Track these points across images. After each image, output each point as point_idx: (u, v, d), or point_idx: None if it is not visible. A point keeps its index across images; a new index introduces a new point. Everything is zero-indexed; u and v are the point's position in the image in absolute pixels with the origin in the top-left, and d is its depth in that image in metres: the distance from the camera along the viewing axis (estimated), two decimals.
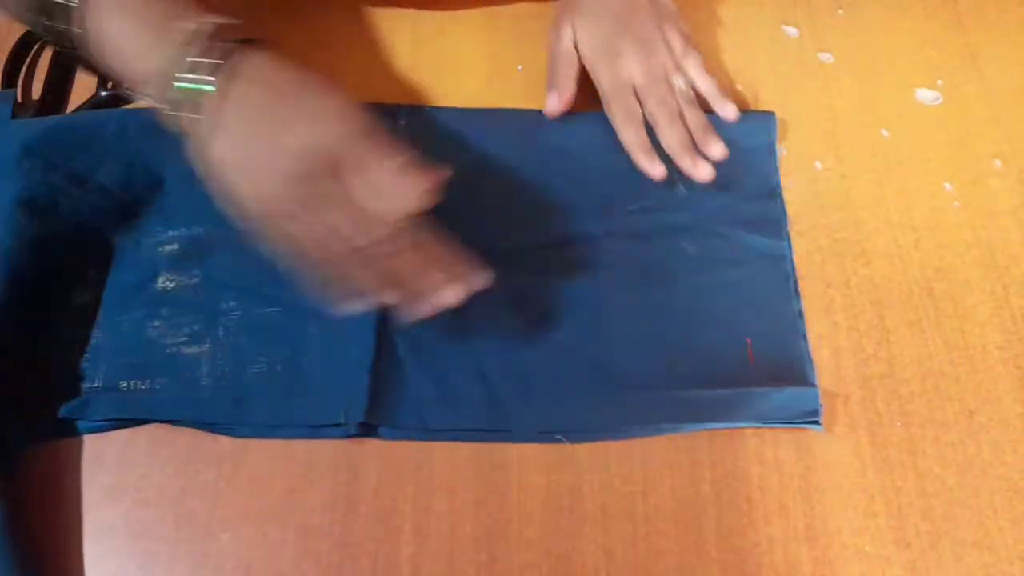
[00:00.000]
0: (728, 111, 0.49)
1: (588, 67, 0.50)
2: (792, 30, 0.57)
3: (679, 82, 0.50)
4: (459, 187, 0.48)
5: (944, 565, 0.40)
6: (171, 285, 0.46)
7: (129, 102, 0.52)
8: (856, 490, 0.42)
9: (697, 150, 0.49)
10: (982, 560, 0.40)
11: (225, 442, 0.42)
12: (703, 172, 0.48)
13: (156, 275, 0.46)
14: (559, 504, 0.41)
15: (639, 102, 0.49)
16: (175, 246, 0.47)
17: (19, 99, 0.52)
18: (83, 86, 0.53)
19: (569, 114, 0.52)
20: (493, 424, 0.43)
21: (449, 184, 0.48)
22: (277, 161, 0.35)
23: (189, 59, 0.35)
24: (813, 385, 0.44)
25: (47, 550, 0.40)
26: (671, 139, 0.48)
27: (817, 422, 0.43)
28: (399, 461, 0.42)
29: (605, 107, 0.50)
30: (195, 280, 0.46)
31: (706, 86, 0.50)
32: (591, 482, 0.42)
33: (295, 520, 0.41)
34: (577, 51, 0.50)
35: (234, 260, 0.46)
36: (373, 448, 0.43)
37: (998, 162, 0.51)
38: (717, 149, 0.48)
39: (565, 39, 0.51)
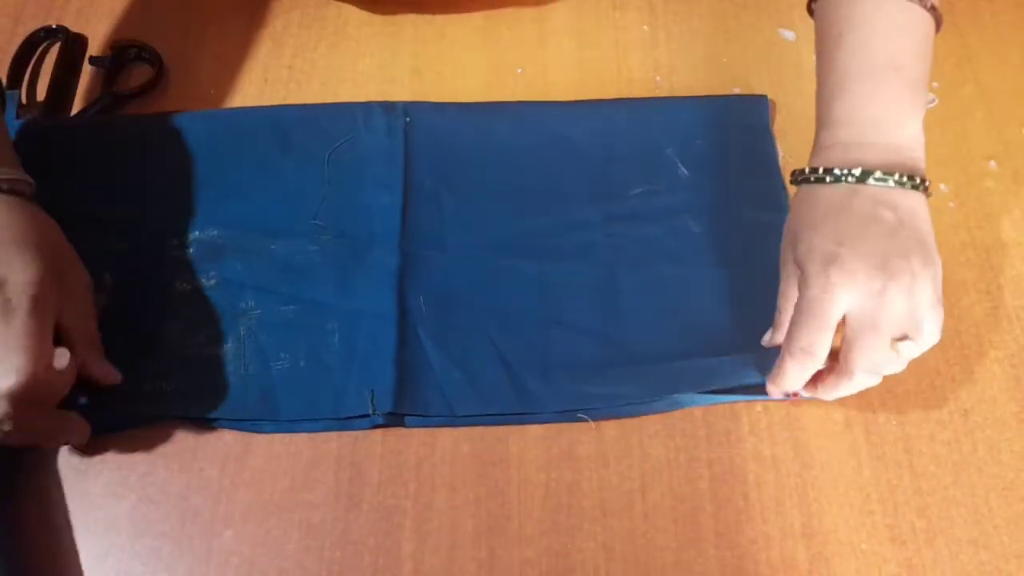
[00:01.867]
0: None
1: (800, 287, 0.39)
2: (789, 33, 0.57)
3: (906, 350, 0.38)
4: (465, 179, 0.50)
5: (940, 563, 0.40)
6: (188, 287, 0.46)
7: (129, 102, 0.53)
8: (852, 488, 0.42)
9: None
10: (978, 558, 0.41)
11: (228, 439, 0.43)
12: None
13: (173, 278, 0.46)
14: (558, 501, 0.42)
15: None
16: (190, 249, 0.47)
17: (24, 100, 0.52)
18: (87, 87, 0.54)
19: (570, 103, 0.53)
20: (518, 408, 0.43)
21: (456, 177, 0.50)
22: None
23: None
24: None
25: (51, 547, 0.40)
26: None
27: None
28: (400, 458, 0.43)
29: (846, 346, 0.38)
30: (212, 282, 0.46)
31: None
32: (590, 479, 0.42)
33: (297, 517, 0.41)
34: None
35: (249, 260, 0.47)
36: (375, 445, 0.43)
37: (993, 163, 0.52)
38: None
39: (788, 272, 0.40)
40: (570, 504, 0.42)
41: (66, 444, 0.42)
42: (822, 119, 0.42)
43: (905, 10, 0.40)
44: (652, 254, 0.48)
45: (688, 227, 0.49)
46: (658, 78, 0.55)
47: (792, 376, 0.39)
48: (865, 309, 0.37)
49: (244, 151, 0.50)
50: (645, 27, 0.57)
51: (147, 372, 0.43)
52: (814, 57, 0.55)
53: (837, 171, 0.39)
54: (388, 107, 0.52)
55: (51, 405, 0.39)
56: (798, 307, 0.38)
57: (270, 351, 0.44)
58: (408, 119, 0.51)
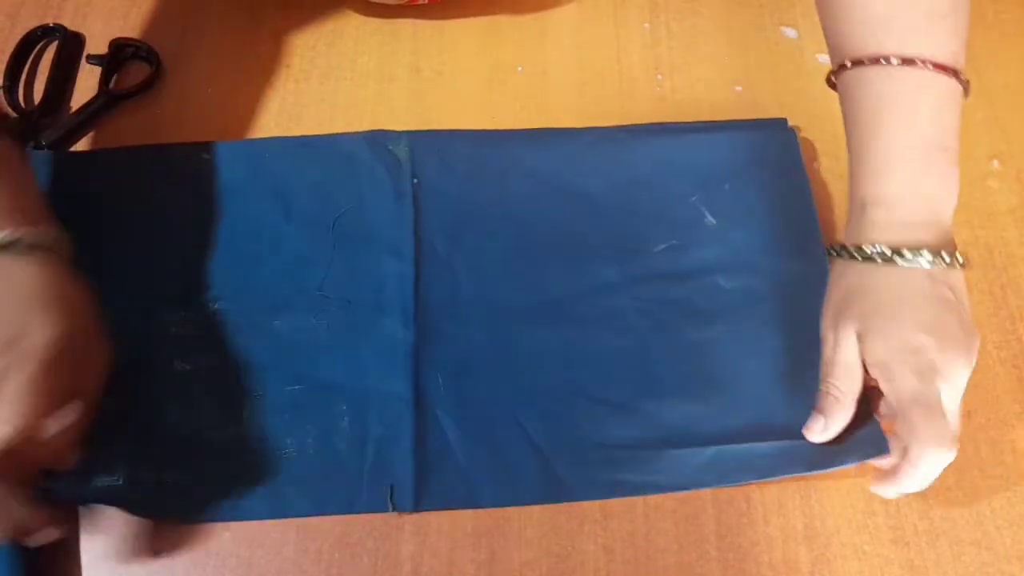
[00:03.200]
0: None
1: (879, 376, 0.39)
2: (791, 31, 0.57)
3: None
4: (479, 242, 0.46)
5: (942, 564, 0.40)
6: (188, 368, 0.43)
7: (126, 100, 0.52)
8: (855, 489, 0.42)
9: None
10: (980, 559, 0.40)
11: None
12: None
13: (170, 357, 0.43)
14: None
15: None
16: (190, 327, 0.44)
17: (22, 100, 0.52)
18: (84, 86, 0.53)
19: (583, 135, 0.50)
20: (548, 499, 0.41)
21: (469, 240, 0.47)
22: None
23: None
24: (876, 420, 0.41)
25: (49, 547, 0.40)
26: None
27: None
28: None
29: (900, 420, 0.38)
30: (213, 362, 0.43)
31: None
32: None
33: (296, 518, 0.41)
34: (863, 362, 0.39)
35: (252, 339, 0.44)
36: None
37: (996, 163, 0.52)
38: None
39: (846, 347, 0.40)
40: (570, 506, 0.41)
41: (41, 538, 0.37)
42: (868, 195, 0.41)
43: (945, 85, 0.40)
44: (683, 318, 0.45)
45: (719, 285, 0.46)
46: (659, 76, 0.55)
47: (918, 482, 0.38)
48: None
49: (246, 218, 0.47)
50: (646, 24, 0.57)
51: (143, 461, 0.40)
52: (816, 56, 0.55)
53: (908, 253, 0.39)
54: (393, 168, 0.48)
55: (28, 479, 0.37)
56: (914, 408, 0.37)
57: (276, 437, 0.41)
58: (416, 180, 0.48)
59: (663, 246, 0.47)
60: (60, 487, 0.39)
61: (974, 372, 0.44)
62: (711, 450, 0.41)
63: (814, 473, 0.41)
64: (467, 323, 0.44)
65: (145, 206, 0.47)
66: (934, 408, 0.37)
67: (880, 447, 0.40)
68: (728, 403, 0.43)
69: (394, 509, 0.40)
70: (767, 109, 0.53)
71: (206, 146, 0.50)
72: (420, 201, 0.48)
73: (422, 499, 0.40)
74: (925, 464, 0.37)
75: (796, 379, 0.43)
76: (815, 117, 0.53)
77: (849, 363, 0.39)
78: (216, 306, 0.45)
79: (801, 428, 0.41)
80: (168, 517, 0.40)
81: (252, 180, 0.49)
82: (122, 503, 0.39)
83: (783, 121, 0.51)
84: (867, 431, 0.41)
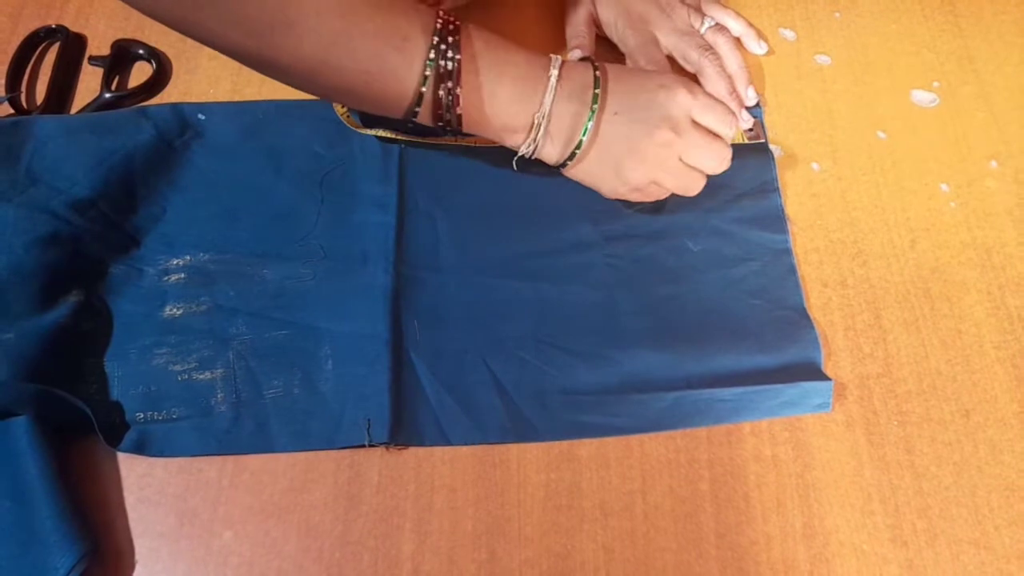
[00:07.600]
0: (761, 48, 0.56)
1: (612, 36, 0.54)
2: (789, 33, 0.57)
3: (707, 22, 0.53)
4: (461, 199, 0.49)
5: (941, 563, 0.40)
6: (178, 312, 0.45)
7: (128, 101, 0.53)
8: (853, 488, 0.42)
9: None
10: (979, 558, 0.41)
11: None
12: (745, 122, 0.53)
13: (163, 304, 0.45)
14: (558, 502, 0.42)
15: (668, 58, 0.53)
16: (181, 275, 0.46)
17: (24, 103, 0.52)
18: (86, 88, 0.53)
19: None
20: (514, 439, 0.43)
21: (451, 197, 0.49)
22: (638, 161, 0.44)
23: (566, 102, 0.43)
24: (827, 378, 0.44)
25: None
26: (719, 89, 0.52)
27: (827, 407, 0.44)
28: (400, 459, 0.42)
29: (631, 63, 0.53)
30: (203, 307, 0.45)
31: (736, 24, 0.55)
32: (590, 480, 0.42)
33: (297, 518, 0.41)
34: (597, 21, 0.54)
35: (241, 285, 0.46)
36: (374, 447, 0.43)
37: (994, 163, 0.52)
38: (751, 96, 0.53)
39: (583, 7, 0.54)
40: (570, 505, 0.42)
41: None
42: None
43: None
44: (650, 276, 0.47)
45: (687, 247, 0.48)
46: None
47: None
48: (671, 26, 0.53)
49: (236, 172, 0.49)
50: None
51: (137, 400, 0.43)
52: (815, 57, 0.55)
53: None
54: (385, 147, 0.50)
55: None
56: (629, 53, 0.53)
57: (262, 377, 0.43)
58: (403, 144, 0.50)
59: (635, 208, 0.49)
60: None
61: (973, 372, 0.45)
62: (672, 395, 0.43)
63: (768, 418, 0.44)
64: (444, 274, 0.47)
65: (142, 163, 0.49)
66: (650, 45, 0.52)
67: (825, 401, 0.44)
68: (689, 353, 0.45)
69: (371, 442, 0.41)
70: (766, 110, 0.53)
71: (201, 106, 0.51)
72: (406, 160, 0.50)
73: (397, 433, 0.42)
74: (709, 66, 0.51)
75: (754, 332, 0.45)
76: (813, 118, 0.53)
77: (588, 16, 0.54)
78: (207, 256, 0.47)
79: (760, 377, 0.44)
80: (157, 452, 0.42)
81: (246, 138, 0.51)
82: (111, 436, 0.41)
83: (755, 100, 0.54)
84: (816, 387, 0.44)
